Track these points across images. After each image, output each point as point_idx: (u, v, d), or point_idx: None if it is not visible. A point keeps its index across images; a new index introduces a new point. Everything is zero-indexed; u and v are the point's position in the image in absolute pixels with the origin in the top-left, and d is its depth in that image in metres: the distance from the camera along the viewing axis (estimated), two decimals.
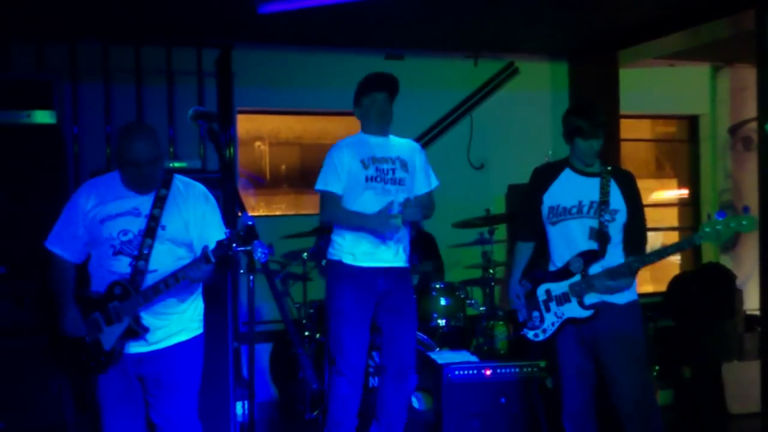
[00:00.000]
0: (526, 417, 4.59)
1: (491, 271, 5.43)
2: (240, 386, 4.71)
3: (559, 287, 3.79)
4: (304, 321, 5.12)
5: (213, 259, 2.94)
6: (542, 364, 4.69)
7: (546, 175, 3.91)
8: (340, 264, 4.14)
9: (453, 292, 5.23)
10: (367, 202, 4.07)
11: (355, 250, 4.10)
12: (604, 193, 3.72)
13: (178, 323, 3.33)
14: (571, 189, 3.81)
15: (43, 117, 4.54)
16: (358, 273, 4.09)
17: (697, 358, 6.01)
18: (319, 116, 6.70)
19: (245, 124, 6.37)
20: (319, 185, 4.15)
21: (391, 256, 4.13)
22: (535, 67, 6.80)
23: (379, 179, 4.10)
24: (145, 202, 3.24)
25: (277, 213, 6.66)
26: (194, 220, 3.29)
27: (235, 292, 4.59)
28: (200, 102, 5.59)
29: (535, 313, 3.85)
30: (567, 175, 3.85)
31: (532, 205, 3.92)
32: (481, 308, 5.33)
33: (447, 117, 6.54)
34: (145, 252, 3.19)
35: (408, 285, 4.29)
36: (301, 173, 6.79)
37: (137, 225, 3.21)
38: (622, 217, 3.74)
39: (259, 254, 2.44)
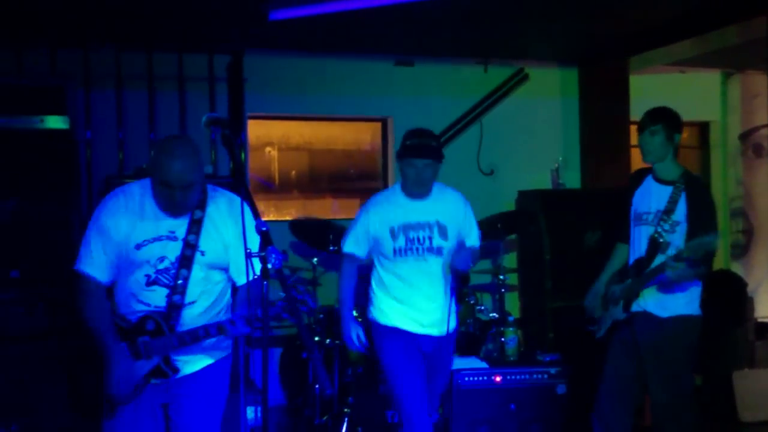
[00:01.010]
0: (536, 424, 4.59)
1: (501, 277, 5.42)
2: (250, 391, 4.71)
3: (617, 289, 3.92)
4: (314, 326, 5.12)
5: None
6: (552, 371, 4.70)
7: (636, 179, 4.00)
8: (376, 322, 3.93)
9: (463, 298, 5.23)
10: (404, 269, 3.80)
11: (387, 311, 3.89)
12: (672, 202, 3.73)
13: (206, 349, 3.08)
14: (649, 196, 3.87)
15: (56, 122, 4.58)
16: (398, 331, 3.86)
17: (708, 365, 5.98)
18: (329, 122, 6.72)
19: (255, 130, 6.39)
20: (342, 244, 3.96)
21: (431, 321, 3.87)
22: (545, 74, 6.80)
23: (411, 251, 3.78)
24: (181, 224, 2.96)
25: (287, 218, 6.67)
26: (234, 242, 3.00)
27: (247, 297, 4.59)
28: (212, 107, 5.62)
29: (603, 311, 4.03)
30: (648, 181, 3.91)
31: (624, 209, 4.00)
32: (492, 314, 5.32)
33: (457, 123, 6.54)
34: (180, 283, 2.93)
35: (451, 347, 4.09)
36: (311, 179, 6.81)
37: (174, 251, 2.94)
38: (683, 229, 3.70)
39: (273, 260, 2.43)
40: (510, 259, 5.95)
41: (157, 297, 2.94)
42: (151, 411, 3.02)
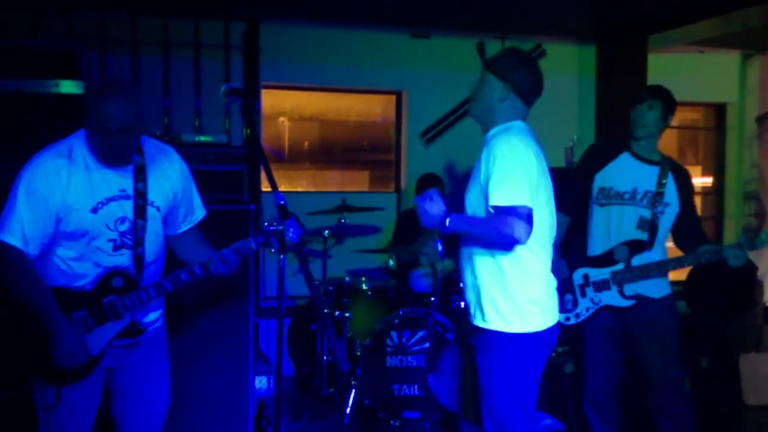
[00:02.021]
0: (546, 401, 4.60)
1: None
2: (259, 361, 4.74)
3: (599, 273, 3.73)
4: (323, 298, 5.13)
5: (254, 247, 2.75)
6: (560, 350, 4.70)
7: (602, 153, 3.84)
8: None
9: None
10: None
11: None
12: (661, 183, 3.67)
13: (154, 308, 3.01)
14: (628, 174, 3.73)
15: (71, 87, 4.54)
16: None
17: (715, 348, 5.99)
18: (342, 93, 6.68)
19: (268, 99, 6.37)
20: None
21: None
22: (562, 50, 6.73)
23: None
24: (127, 180, 2.81)
25: (299, 189, 6.67)
26: (180, 191, 2.98)
27: (257, 268, 4.60)
28: (226, 75, 5.58)
29: (568, 296, 3.78)
30: (625, 158, 3.78)
31: (579, 181, 3.84)
32: None
33: (471, 97, 6.49)
34: (140, 236, 2.81)
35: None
36: (322, 150, 6.79)
37: (130, 209, 2.81)
38: (672, 212, 3.69)
39: (291, 234, 2.40)
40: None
41: (124, 259, 2.83)
42: (95, 375, 2.87)
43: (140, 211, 2.82)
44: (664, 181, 3.67)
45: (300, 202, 5.46)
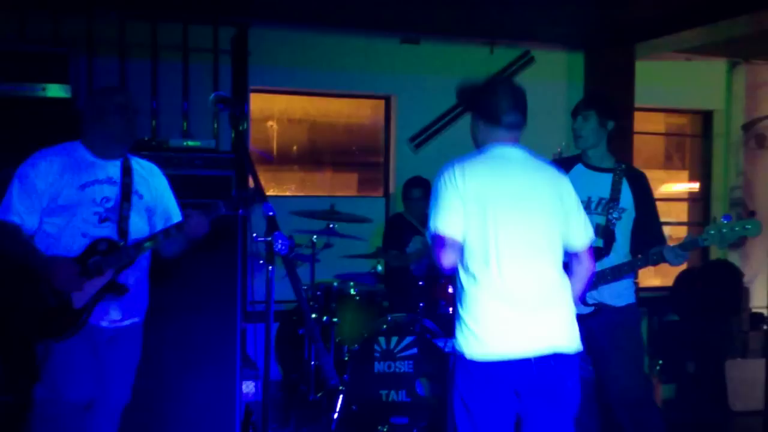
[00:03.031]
0: None
1: None
2: (246, 366, 4.73)
3: None
4: (311, 303, 5.13)
5: (222, 210, 3.10)
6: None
7: (560, 167, 3.89)
8: None
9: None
10: None
11: None
12: (615, 190, 3.71)
13: (140, 301, 3.41)
14: (582, 184, 3.70)
15: (58, 91, 4.53)
16: None
17: (701, 354, 6.02)
18: (332, 98, 6.68)
19: (257, 103, 6.36)
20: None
21: None
22: (551, 57, 6.75)
23: None
24: (115, 171, 3.30)
25: (287, 193, 6.66)
26: (160, 196, 3.43)
27: (245, 273, 4.60)
28: (215, 79, 5.57)
29: None
30: (578, 169, 3.82)
31: None
32: None
33: (460, 104, 6.50)
34: (125, 214, 3.24)
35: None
36: (311, 152, 6.79)
37: (115, 193, 3.27)
38: (629, 217, 3.72)
39: (279, 246, 2.44)
40: None
41: (109, 231, 3.22)
42: (92, 349, 3.24)
43: (125, 195, 3.27)
44: (618, 187, 3.71)
45: (288, 206, 5.49)
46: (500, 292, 2.74)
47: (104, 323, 3.25)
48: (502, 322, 2.73)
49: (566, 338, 2.79)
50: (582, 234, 2.94)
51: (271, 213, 2.51)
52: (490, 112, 2.93)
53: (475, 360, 2.73)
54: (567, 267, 2.98)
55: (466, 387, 2.78)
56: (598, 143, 3.80)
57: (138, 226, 3.33)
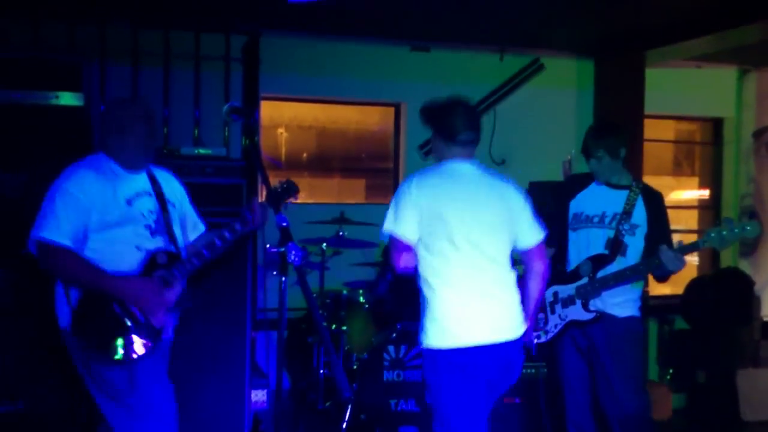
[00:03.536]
0: (531, 417, 4.61)
1: None
2: (255, 375, 4.74)
3: (566, 290, 3.85)
4: (320, 311, 5.13)
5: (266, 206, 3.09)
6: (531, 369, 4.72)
7: (577, 182, 4.01)
8: None
9: None
10: None
11: None
12: (629, 205, 3.77)
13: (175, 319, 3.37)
14: (598, 199, 3.87)
15: (71, 99, 4.55)
16: None
17: (712, 363, 6.00)
18: (342, 105, 6.70)
19: (267, 110, 6.38)
20: None
21: None
22: (561, 64, 6.75)
23: None
24: (146, 183, 3.27)
25: (297, 201, 6.66)
26: (185, 203, 3.44)
27: (255, 282, 4.61)
28: (226, 87, 5.58)
29: (540, 315, 3.91)
30: (596, 185, 3.91)
31: (559, 213, 3.99)
32: None
33: None
34: (170, 224, 3.23)
35: None
36: (321, 160, 6.80)
37: (155, 204, 3.24)
38: (641, 233, 3.77)
39: (292, 257, 2.46)
40: None
41: (161, 242, 3.18)
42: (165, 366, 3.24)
43: (163, 205, 3.24)
44: (632, 203, 3.77)
45: (297, 213, 5.49)
46: (456, 287, 3.17)
47: (166, 336, 3.23)
48: (461, 314, 3.15)
49: (514, 327, 3.25)
50: (531, 234, 3.35)
51: (284, 224, 2.53)
52: (448, 131, 3.33)
53: (441, 349, 3.16)
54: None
55: (432, 376, 3.20)
56: (616, 171, 3.87)
57: (180, 236, 3.32)
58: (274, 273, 2.59)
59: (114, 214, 3.11)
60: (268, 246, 2.52)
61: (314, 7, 5.02)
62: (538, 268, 3.38)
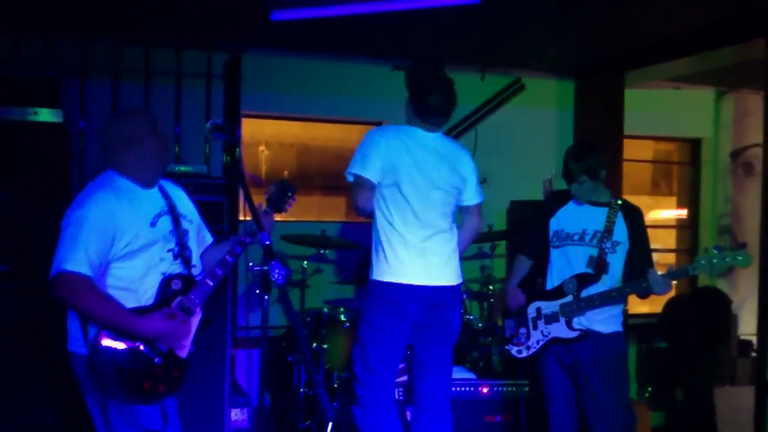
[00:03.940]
0: None
1: (491, 287, 5.44)
2: (235, 393, 4.71)
3: (549, 306, 3.87)
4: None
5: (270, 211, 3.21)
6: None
7: (556, 200, 4.03)
8: None
9: None
10: None
11: None
12: (610, 222, 3.79)
13: None
14: (577, 217, 3.89)
15: (50, 116, 4.54)
16: None
17: (690, 381, 6.03)
18: (325, 123, 6.70)
19: (248, 128, 6.37)
20: None
21: None
22: (541, 84, 6.81)
23: None
24: (160, 199, 3.06)
25: (277, 218, 6.65)
26: (196, 212, 3.26)
27: (235, 300, 4.59)
28: (207, 105, 5.58)
29: (522, 330, 3.95)
30: (576, 203, 3.93)
31: (538, 228, 4.02)
32: (479, 325, 5.33)
33: (452, 130, 6.53)
34: (186, 243, 3.05)
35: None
36: (300, 176, 6.80)
37: (171, 222, 3.03)
38: (623, 250, 3.80)
39: (275, 276, 2.45)
40: (499, 268, 5.95)
41: (180, 267, 3.02)
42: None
43: (178, 221, 3.05)
44: (612, 220, 3.79)
45: (278, 231, 5.48)
46: (403, 233, 3.66)
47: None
48: (404, 257, 3.65)
49: (454, 275, 3.78)
50: (474, 195, 3.91)
51: (267, 242, 2.51)
52: (424, 109, 3.75)
53: (381, 281, 3.66)
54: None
55: (370, 304, 3.70)
56: (598, 192, 3.90)
57: (196, 253, 3.15)
58: (257, 291, 2.57)
59: (141, 239, 2.91)
60: (251, 264, 2.50)
61: (296, 26, 5.03)
62: (474, 224, 3.95)
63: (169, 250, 2.98)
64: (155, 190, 3.06)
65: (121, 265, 2.88)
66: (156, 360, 2.87)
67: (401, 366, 3.94)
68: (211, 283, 3.01)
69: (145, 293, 2.92)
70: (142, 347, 2.86)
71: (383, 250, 3.68)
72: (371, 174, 3.65)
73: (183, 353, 2.93)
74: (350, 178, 3.73)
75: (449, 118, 3.86)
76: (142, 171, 3.00)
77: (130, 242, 2.87)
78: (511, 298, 4.06)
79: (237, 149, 2.73)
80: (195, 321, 2.98)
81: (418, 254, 3.67)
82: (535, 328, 3.90)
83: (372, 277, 3.72)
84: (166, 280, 2.94)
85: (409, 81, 3.89)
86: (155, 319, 2.85)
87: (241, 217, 4.57)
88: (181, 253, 3.01)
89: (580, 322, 3.78)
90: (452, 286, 3.77)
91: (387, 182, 3.66)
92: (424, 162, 3.70)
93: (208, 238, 3.35)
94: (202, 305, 3.00)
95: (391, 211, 3.69)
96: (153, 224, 2.94)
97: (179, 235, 3.02)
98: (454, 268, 3.80)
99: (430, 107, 3.73)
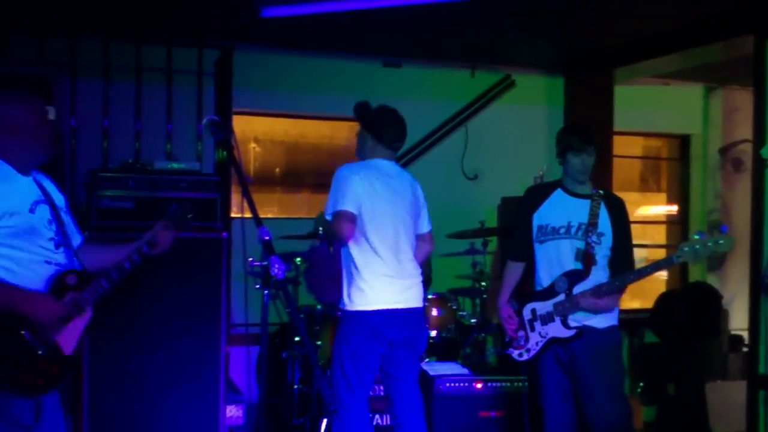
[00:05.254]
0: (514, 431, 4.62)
1: (483, 284, 5.45)
2: (229, 390, 4.70)
3: (543, 306, 3.84)
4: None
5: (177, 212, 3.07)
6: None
7: (537, 194, 4.00)
8: None
9: (445, 302, 5.24)
10: None
11: None
12: (593, 215, 3.79)
13: None
14: (561, 209, 3.87)
15: None
16: None
17: (681, 376, 6.06)
18: (315, 120, 6.70)
19: (239, 124, 6.36)
20: None
21: None
22: (531, 81, 6.83)
23: None
24: (36, 188, 2.94)
25: (269, 215, 6.65)
26: (66, 209, 3.09)
27: (228, 297, 4.58)
28: (199, 102, 5.57)
29: (521, 333, 3.92)
30: (558, 195, 3.92)
31: (522, 225, 3.99)
32: (472, 320, 5.34)
33: (442, 126, 6.55)
34: (68, 235, 2.96)
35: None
36: (292, 174, 6.79)
37: (49, 211, 2.93)
38: (608, 241, 3.80)
39: (275, 270, 2.45)
40: (490, 265, 5.96)
41: (63, 257, 2.93)
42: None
43: (56, 212, 2.95)
44: (596, 212, 3.78)
45: (269, 228, 5.47)
46: (376, 262, 3.80)
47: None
48: (380, 283, 3.80)
49: (418, 298, 3.95)
50: (427, 222, 4.12)
51: (267, 237, 2.51)
52: (385, 138, 3.96)
53: (359, 311, 3.78)
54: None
55: (350, 332, 3.80)
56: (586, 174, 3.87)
57: (75, 247, 3.04)
58: (257, 287, 2.57)
59: (21, 220, 2.79)
60: (250, 259, 2.49)
61: (287, 22, 5.04)
62: (427, 249, 4.15)
63: (50, 239, 2.88)
64: (30, 179, 2.93)
65: (7, 242, 2.77)
66: (39, 351, 2.75)
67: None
68: (106, 285, 2.91)
69: (34, 282, 2.81)
70: (27, 336, 2.74)
71: (361, 280, 3.81)
72: (350, 206, 3.78)
73: (68, 350, 2.82)
74: (329, 218, 3.85)
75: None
76: (23, 157, 2.89)
77: (11, 219, 2.76)
78: (501, 311, 4.02)
79: (232, 145, 2.71)
80: (84, 320, 2.88)
81: (392, 280, 3.83)
82: (533, 330, 3.87)
83: (348, 309, 3.83)
84: (62, 274, 2.86)
85: (365, 116, 4.04)
86: (45, 301, 2.77)
87: (237, 215, 4.55)
88: (63, 242, 2.92)
89: (576, 318, 3.76)
90: (420, 308, 4.00)
91: (360, 213, 3.81)
92: (391, 193, 3.89)
93: (78, 239, 3.16)
94: (93, 305, 2.90)
95: (366, 241, 3.81)
96: (32, 210, 2.84)
97: (59, 224, 2.92)
98: (420, 291, 4.01)
99: (392, 133, 3.97)
